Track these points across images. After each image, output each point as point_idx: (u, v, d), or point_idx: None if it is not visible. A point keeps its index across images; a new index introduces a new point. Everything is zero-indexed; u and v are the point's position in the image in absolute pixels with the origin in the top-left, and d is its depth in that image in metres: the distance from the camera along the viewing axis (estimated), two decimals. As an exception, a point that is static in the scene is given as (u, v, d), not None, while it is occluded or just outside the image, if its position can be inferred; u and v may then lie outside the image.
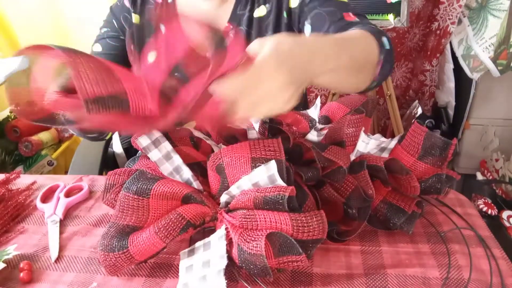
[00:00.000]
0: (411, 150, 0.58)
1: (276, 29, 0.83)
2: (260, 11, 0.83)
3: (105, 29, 0.87)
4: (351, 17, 0.72)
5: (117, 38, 0.86)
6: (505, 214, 1.28)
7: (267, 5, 0.82)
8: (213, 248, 0.51)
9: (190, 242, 0.59)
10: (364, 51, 0.59)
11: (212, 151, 0.66)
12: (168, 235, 0.51)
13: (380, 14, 1.42)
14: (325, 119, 0.68)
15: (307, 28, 0.78)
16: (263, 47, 0.44)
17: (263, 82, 0.42)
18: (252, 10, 0.83)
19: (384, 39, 0.64)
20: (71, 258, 0.59)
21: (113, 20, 0.87)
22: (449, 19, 1.58)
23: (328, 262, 0.55)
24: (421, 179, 0.57)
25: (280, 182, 0.50)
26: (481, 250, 0.55)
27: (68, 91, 0.50)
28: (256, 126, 0.66)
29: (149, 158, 0.61)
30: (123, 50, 0.86)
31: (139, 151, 0.63)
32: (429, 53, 1.74)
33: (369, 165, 0.56)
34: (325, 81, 0.55)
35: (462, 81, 1.65)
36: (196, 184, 0.60)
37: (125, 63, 0.83)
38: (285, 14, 0.82)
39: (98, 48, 0.86)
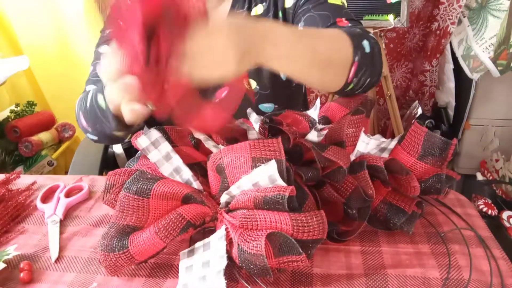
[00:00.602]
0: (411, 150, 0.58)
1: None
2: (257, 10, 0.83)
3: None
4: (343, 22, 0.72)
5: None
6: (505, 214, 1.28)
7: (264, 3, 0.82)
8: (213, 249, 0.52)
9: (190, 242, 0.59)
10: (332, 48, 0.60)
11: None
12: (168, 235, 0.51)
13: (380, 14, 1.42)
14: (325, 120, 0.68)
15: (298, 27, 0.78)
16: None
17: (211, 41, 0.46)
18: (249, 9, 0.83)
19: (365, 43, 0.64)
20: (71, 258, 0.59)
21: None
22: (449, 19, 1.58)
23: (328, 262, 0.55)
24: (421, 179, 0.57)
25: (280, 182, 0.50)
26: (481, 251, 0.55)
27: None
28: (257, 126, 0.67)
29: (149, 159, 0.62)
30: None
31: (139, 151, 0.63)
32: (429, 53, 1.74)
33: (369, 165, 0.56)
34: (283, 68, 0.58)
35: (462, 81, 1.65)
36: (196, 184, 0.60)
37: None
38: (280, 14, 0.82)
39: (106, 49, 0.84)
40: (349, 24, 0.72)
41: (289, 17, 0.81)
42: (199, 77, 0.48)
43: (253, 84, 0.80)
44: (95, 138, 0.75)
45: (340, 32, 0.63)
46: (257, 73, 0.81)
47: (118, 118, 0.62)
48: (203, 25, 0.46)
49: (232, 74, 0.49)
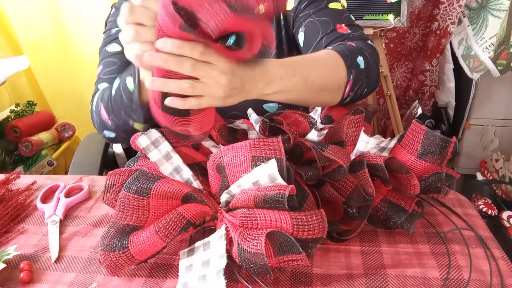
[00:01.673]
0: (410, 149, 0.58)
1: (276, 28, 0.83)
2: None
3: (117, 29, 0.84)
4: (343, 28, 0.73)
5: None
6: (505, 214, 1.28)
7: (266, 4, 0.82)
8: (213, 248, 0.52)
9: (190, 241, 0.59)
10: (325, 75, 0.63)
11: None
12: (168, 235, 0.51)
13: (380, 14, 1.42)
14: (328, 119, 0.68)
15: (301, 36, 0.78)
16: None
17: (215, 66, 0.47)
18: None
19: (359, 59, 0.66)
20: (71, 258, 0.59)
21: None
22: (449, 19, 1.58)
23: (328, 262, 0.55)
24: (421, 177, 0.57)
25: (280, 181, 0.50)
26: (481, 251, 0.55)
27: None
28: (257, 126, 0.67)
29: (149, 158, 0.62)
30: None
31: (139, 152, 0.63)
32: (429, 53, 1.74)
33: (369, 164, 0.56)
34: (277, 99, 0.60)
35: (462, 81, 1.65)
36: (196, 184, 0.60)
37: None
38: (281, 16, 0.82)
39: (115, 47, 0.82)
40: (349, 30, 0.73)
41: (289, 20, 0.81)
42: (187, 101, 0.50)
43: None
44: (112, 135, 0.73)
45: (333, 54, 0.65)
46: None
47: (144, 104, 0.62)
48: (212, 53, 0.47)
49: (219, 105, 0.52)
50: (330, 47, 0.69)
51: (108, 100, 0.68)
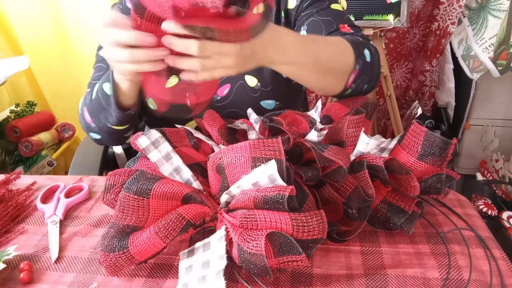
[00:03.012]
0: (410, 150, 0.58)
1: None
2: (259, 9, 0.83)
3: None
4: (346, 28, 0.75)
5: None
6: (505, 214, 1.28)
7: (265, 2, 0.82)
8: (213, 249, 0.52)
9: (190, 242, 0.59)
10: (334, 57, 0.63)
11: (213, 151, 0.66)
12: (168, 235, 0.51)
13: (380, 14, 1.42)
14: (327, 119, 0.68)
15: (303, 34, 0.78)
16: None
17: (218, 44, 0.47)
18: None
19: (366, 52, 0.67)
20: (71, 258, 0.59)
21: None
22: (449, 19, 1.58)
23: (328, 262, 0.55)
24: (421, 179, 0.57)
25: (280, 181, 0.50)
26: (481, 251, 0.55)
27: None
28: (257, 126, 0.67)
29: (149, 159, 0.62)
30: None
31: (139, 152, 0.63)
32: (429, 53, 1.74)
33: (369, 165, 0.56)
34: (286, 71, 0.61)
35: (462, 82, 1.65)
36: (196, 184, 0.60)
37: None
38: (283, 14, 0.82)
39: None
40: (351, 31, 0.74)
41: (291, 18, 0.81)
42: (200, 74, 0.50)
43: (254, 81, 0.80)
44: (98, 136, 0.76)
45: (343, 40, 0.65)
46: (258, 70, 0.81)
47: (121, 106, 0.65)
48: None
49: (232, 74, 0.51)
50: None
51: (90, 103, 0.72)
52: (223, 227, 0.52)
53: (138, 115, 0.77)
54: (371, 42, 0.72)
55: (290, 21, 0.82)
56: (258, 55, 0.53)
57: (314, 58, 0.59)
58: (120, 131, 0.74)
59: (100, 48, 0.86)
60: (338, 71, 0.64)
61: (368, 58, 0.67)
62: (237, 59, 0.50)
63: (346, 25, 0.75)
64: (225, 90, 0.81)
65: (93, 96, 0.70)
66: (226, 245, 0.50)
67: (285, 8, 0.81)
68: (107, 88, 0.65)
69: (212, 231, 0.55)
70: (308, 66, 0.60)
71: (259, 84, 0.80)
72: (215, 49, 0.48)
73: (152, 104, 0.79)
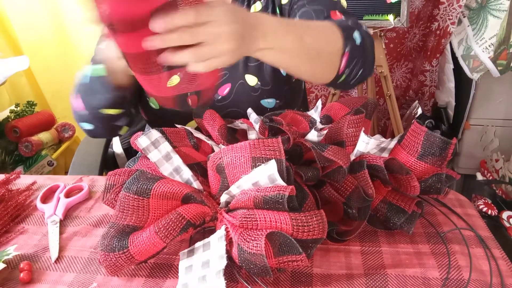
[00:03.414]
0: (411, 150, 0.58)
1: None
2: (256, 8, 0.83)
3: None
4: (337, 15, 0.73)
5: None
6: (505, 214, 1.28)
7: (262, 0, 0.83)
8: (213, 249, 0.52)
9: (190, 242, 0.59)
10: (321, 39, 0.61)
11: (213, 151, 0.66)
12: (168, 235, 0.51)
13: (380, 14, 1.42)
14: (327, 119, 0.68)
15: (288, 19, 0.78)
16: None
17: (213, 21, 0.45)
18: (248, 7, 0.83)
19: (356, 34, 0.65)
20: (71, 258, 0.59)
21: None
22: (449, 19, 1.58)
23: (328, 262, 0.55)
24: (421, 178, 0.57)
25: (280, 181, 0.50)
26: (481, 251, 0.55)
27: None
28: (256, 126, 0.67)
29: (149, 159, 0.62)
30: None
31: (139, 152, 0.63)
32: (429, 53, 1.74)
33: (369, 165, 0.56)
34: (273, 59, 0.58)
35: (462, 81, 1.65)
36: (196, 184, 0.60)
37: None
38: (277, 10, 0.82)
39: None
40: (343, 17, 0.72)
41: (285, 13, 0.82)
42: (198, 64, 0.48)
43: (255, 80, 0.80)
44: (90, 127, 0.76)
45: (330, 24, 0.64)
46: (258, 69, 0.81)
47: (114, 86, 0.67)
48: (203, 11, 0.45)
49: (229, 62, 0.49)
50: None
51: (79, 88, 0.73)
52: (223, 227, 0.52)
53: (134, 106, 0.77)
54: (364, 28, 0.70)
55: (284, 16, 0.82)
56: (246, 39, 0.51)
57: (300, 42, 0.57)
58: (113, 118, 0.74)
59: (100, 41, 0.86)
60: (327, 54, 0.62)
61: (358, 41, 0.65)
62: (234, 37, 0.47)
63: (337, 11, 0.73)
64: (225, 89, 0.81)
65: (82, 80, 0.71)
66: (226, 245, 0.50)
67: (280, 4, 0.82)
68: (100, 69, 0.66)
69: (212, 231, 0.55)
70: (294, 51, 0.58)
71: (259, 83, 0.80)
72: (208, 32, 0.46)
73: (153, 103, 0.79)
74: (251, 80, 0.81)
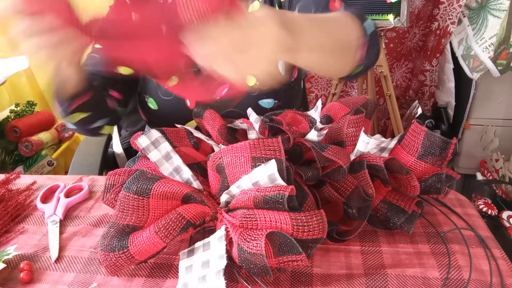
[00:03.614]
0: (411, 150, 0.58)
1: None
2: (254, 6, 0.82)
3: None
4: (336, 3, 0.71)
5: None
6: (505, 214, 1.28)
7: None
8: (213, 249, 0.52)
9: (190, 242, 0.59)
10: (345, 32, 0.59)
11: (213, 151, 0.66)
12: (168, 235, 0.51)
13: (380, 14, 1.42)
14: (327, 118, 0.68)
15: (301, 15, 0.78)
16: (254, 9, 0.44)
17: (259, 32, 0.42)
18: (247, 6, 0.83)
19: (368, 22, 0.64)
20: (71, 258, 0.59)
21: None
22: (449, 19, 1.58)
23: (328, 262, 0.55)
24: (421, 178, 0.57)
25: (280, 181, 0.50)
26: (481, 251, 0.55)
27: None
28: (256, 126, 0.67)
29: (149, 158, 0.62)
30: None
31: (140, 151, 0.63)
32: (429, 53, 1.74)
33: (369, 165, 0.56)
34: (305, 60, 0.54)
35: (462, 81, 1.65)
36: (196, 184, 0.60)
37: None
38: (276, 7, 0.81)
39: None
40: (343, 5, 0.70)
41: (284, 8, 0.81)
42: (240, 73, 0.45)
43: (253, 80, 0.80)
44: (73, 127, 0.77)
45: (347, 13, 0.62)
46: None
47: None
48: (240, 18, 0.42)
49: (275, 73, 0.45)
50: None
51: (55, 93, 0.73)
52: (223, 227, 0.52)
53: (124, 104, 0.78)
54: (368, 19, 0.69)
55: None
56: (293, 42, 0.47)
57: (330, 37, 0.54)
58: (86, 120, 0.74)
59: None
60: (351, 46, 0.60)
61: (372, 28, 0.63)
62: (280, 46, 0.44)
63: (336, 0, 0.70)
64: (224, 90, 0.81)
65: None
66: (226, 244, 0.50)
67: (278, 1, 0.81)
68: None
69: (212, 231, 0.55)
70: (325, 47, 0.54)
71: (257, 83, 0.80)
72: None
73: (152, 104, 0.80)
74: (249, 80, 0.80)
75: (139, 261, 0.52)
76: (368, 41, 0.62)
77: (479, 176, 1.61)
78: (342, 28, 0.59)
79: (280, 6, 0.81)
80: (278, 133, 0.64)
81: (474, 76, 1.55)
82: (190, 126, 0.70)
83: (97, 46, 0.53)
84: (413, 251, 0.56)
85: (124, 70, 0.82)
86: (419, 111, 1.77)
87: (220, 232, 0.52)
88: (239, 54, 0.43)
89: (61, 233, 0.64)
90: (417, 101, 1.85)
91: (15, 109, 1.77)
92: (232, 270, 0.53)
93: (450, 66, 1.66)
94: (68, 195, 0.73)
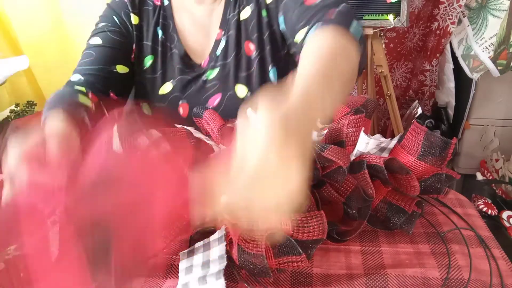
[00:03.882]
0: (411, 150, 0.58)
1: (259, 30, 0.82)
2: (245, 13, 0.82)
3: (104, 24, 0.87)
4: (310, 1, 0.69)
5: (119, 33, 0.85)
6: (505, 214, 1.28)
7: (251, 5, 0.82)
8: (213, 249, 0.51)
9: (190, 242, 0.59)
10: (343, 57, 0.54)
11: (212, 151, 0.66)
12: (168, 235, 0.51)
13: (380, 14, 1.42)
14: (326, 119, 0.68)
15: (281, 19, 0.78)
16: (254, 128, 0.35)
17: (272, 168, 0.34)
18: (239, 13, 0.83)
19: (354, 24, 0.61)
20: (71, 258, 0.59)
21: (113, 16, 0.86)
22: (449, 19, 1.58)
23: (328, 262, 0.55)
24: (421, 178, 0.57)
25: (280, 182, 0.49)
26: (481, 251, 0.55)
27: None
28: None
29: (149, 158, 0.61)
30: (125, 46, 0.86)
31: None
32: (429, 53, 1.74)
33: (369, 165, 0.56)
34: (327, 114, 0.47)
35: (462, 81, 1.65)
36: (196, 184, 0.60)
37: (126, 59, 0.84)
38: (264, 13, 0.81)
39: (97, 41, 0.84)
40: (317, 2, 0.68)
41: (272, 13, 0.81)
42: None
43: (245, 91, 0.80)
44: None
45: (339, 37, 0.57)
46: (248, 79, 0.81)
47: None
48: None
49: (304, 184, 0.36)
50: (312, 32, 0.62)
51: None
52: (223, 227, 0.52)
53: None
54: (344, 4, 0.66)
55: (271, 16, 0.81)
56: (312, 124, 0.42)
57: (339, 80, 0.50)
58: None
59: (91, 36, 0.87)
60: (355, 67, 0.57)
61: (359, 32, 0.61)
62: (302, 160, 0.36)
63: None
64: (216, 100, 0.81)
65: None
66: (226, 245, 0.50)
67: (265, 5, 0.81)
68: None
69: (212, 231, 0.55)
70: (338, 90, 0.49)
71: (249, 93, 0.80)
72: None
73: (146, 109, 0.80)
74: (242, 90, 0.80)
75: (139, 261, 0.52)
76: (361, 50, 0.60)
77: (479, 176, 1.61)
78: (340, 56, 0.53)
79: (268, 10, 0.81)
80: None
81: (474, 76, 1.55)
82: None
83: None
84: (413, 251, 0.56)
85: (120, 68, 0.83)
86: (419, 111, 1.77)
87: (220, 233, 0.52)
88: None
89: (61, 233, 0.64)
90: (417, 101, 1.85)
91: (15, 109, 1.76)
92: (232, 271, 0.53)
93: (450, 66, 1.66)
94: (68, 195, 0.73)
